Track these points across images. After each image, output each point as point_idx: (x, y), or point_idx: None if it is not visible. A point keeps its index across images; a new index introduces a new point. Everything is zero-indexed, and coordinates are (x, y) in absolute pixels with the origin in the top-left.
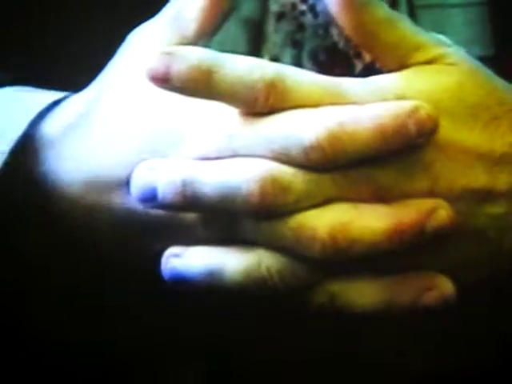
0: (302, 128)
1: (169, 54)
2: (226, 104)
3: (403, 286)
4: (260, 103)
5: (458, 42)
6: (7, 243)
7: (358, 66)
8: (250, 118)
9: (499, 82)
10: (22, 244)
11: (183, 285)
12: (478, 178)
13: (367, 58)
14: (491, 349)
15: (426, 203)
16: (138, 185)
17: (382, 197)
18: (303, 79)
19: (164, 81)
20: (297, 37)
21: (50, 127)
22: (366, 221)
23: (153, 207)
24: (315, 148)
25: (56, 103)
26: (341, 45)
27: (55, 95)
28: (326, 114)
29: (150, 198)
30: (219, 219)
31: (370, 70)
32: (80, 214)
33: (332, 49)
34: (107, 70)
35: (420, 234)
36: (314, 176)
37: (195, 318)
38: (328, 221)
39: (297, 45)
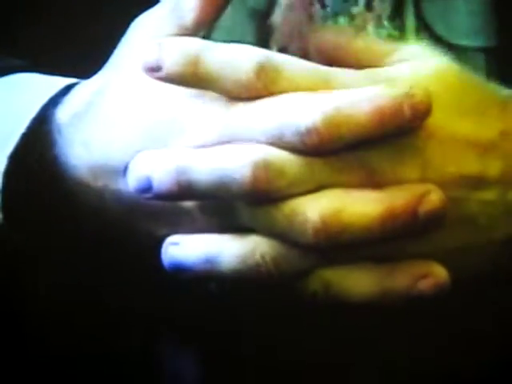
0: (298, 113)
1: (160, 44)
2: (218, 91)
3: (398, 275)
4: (250, 87)
5: (461, 33)
6: (17, 224)
7: None
8: (246, 105)
9: (476, 76)
10: (31, 225)
11: (182, 273)
12: (470, 165)
13: None
14: (494, 349)
15: (418, 188)
16: (133, 175)
17: (374, 182)
18: (293, 64)
19: (156, 71)
20: (305, 28)
21: (61, 113)
22: (358, 206)
23: (150, 198)
24: (311, 132)
25: (67, 88)
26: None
27: (66, 81)
28: (322, 99)
29: (146, 188)
30: (215, 206)
31: None
32: (90, 198)
33: None
34: (111, 60)
35: (412, 219)
36: (307, 160)
37: (194, 305)
38: (320, 206)
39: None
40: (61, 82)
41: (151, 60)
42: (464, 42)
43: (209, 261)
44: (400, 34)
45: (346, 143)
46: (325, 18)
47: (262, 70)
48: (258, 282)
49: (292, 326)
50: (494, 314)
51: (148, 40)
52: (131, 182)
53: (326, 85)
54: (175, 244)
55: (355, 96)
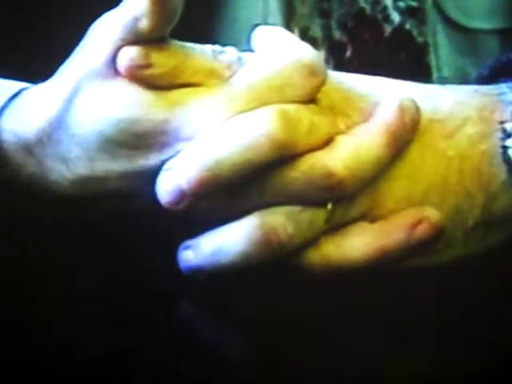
0: (296, 54)
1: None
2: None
3: (394, 229)
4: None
5: (475, 15)
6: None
7: (387, 30)
8: (240, 76)
9: None
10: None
11: (199, 275)
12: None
13: (396, 20)
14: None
15: (397, 102)
16: (163, 193)
17: (361, 115)
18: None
19: (145, 68)
20: (324, 6)
21: (21, 130)
22: (367, 142)
23: (188, 205)
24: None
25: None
26: (368, 10)
27: (15, 85)
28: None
29: (180, 196)
30: (223, 195)
31: (399, 33)
32: (74, 210)
33: (360, 15)
34: (70, 66)
35: (404, 127)
36: (313, 108)
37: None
38: (339, 156)
39: (325, 14)
40: (9, 87)
41: (139, 58)
42: (477, 24)
43: (218, 252)
44: (419, 4)
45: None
46: None
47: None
48: (269, 256)
49: (291, 300)
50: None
51: (110, 45)
52: (164, 201)
53: None
54: (188, 247)
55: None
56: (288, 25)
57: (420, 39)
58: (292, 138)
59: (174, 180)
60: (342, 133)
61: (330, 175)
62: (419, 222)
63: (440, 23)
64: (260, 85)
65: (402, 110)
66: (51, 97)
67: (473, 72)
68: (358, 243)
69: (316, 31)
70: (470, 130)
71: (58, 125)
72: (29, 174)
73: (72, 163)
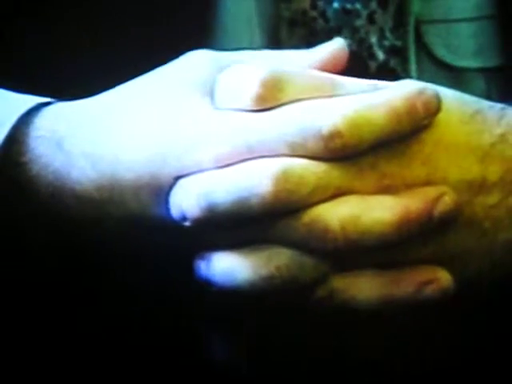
0: (318, 117)
1: None
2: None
3: (403, 281)
4: (258, 97)
5: (462, 55)
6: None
7: (372, 67)
8: (262, 116)
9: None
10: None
11: (212, 286)
12: (471, 170)
13: (380, 58)
14: (490, 349)
15: (432, 191)
16: (172, 206)
17: (384, 186)
18: (298, 73)
19: None
20: (310, 41)
21: (60, 128)
22: (375, 213)
23: (192, 225)
24: (334, 136)
25: (42, 105)
26: (353, 47)
27: (36, 98)
28: (339, 103)
29: (183, 217)
30: (232, 221)
31: (383, 70)
32: (88, 210)
33: None
34: (147, 76)
35: (427, 222)
36: (324, 167)
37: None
38: (339, 214)
39: None
40: (32, 99)
41: None
42: (465, 63)
43: (228, 275)
44: (403, 43)
45: (367, 145)
46: (328, 32)
47: (269, 81)
48: (273, 291)
49: (297, 330)
50: (494, 318)
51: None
52: (173, 212)
53: (332, 91)
54: (202, 258)
55: (371, 99)
56: None
57: (404, 76)
58: (288, 201)
59: (178, 200)
60: (357, 191)
61: (326, 231)
62: (430, 282)
63: (426, 61)
64: (273, 136)
65: (433, 200)
66: (97, 100)
67: None
68: (365, 286)
69: None
70: None
71: (95, 121)
72: (54, 170)
73: (98, 160)
